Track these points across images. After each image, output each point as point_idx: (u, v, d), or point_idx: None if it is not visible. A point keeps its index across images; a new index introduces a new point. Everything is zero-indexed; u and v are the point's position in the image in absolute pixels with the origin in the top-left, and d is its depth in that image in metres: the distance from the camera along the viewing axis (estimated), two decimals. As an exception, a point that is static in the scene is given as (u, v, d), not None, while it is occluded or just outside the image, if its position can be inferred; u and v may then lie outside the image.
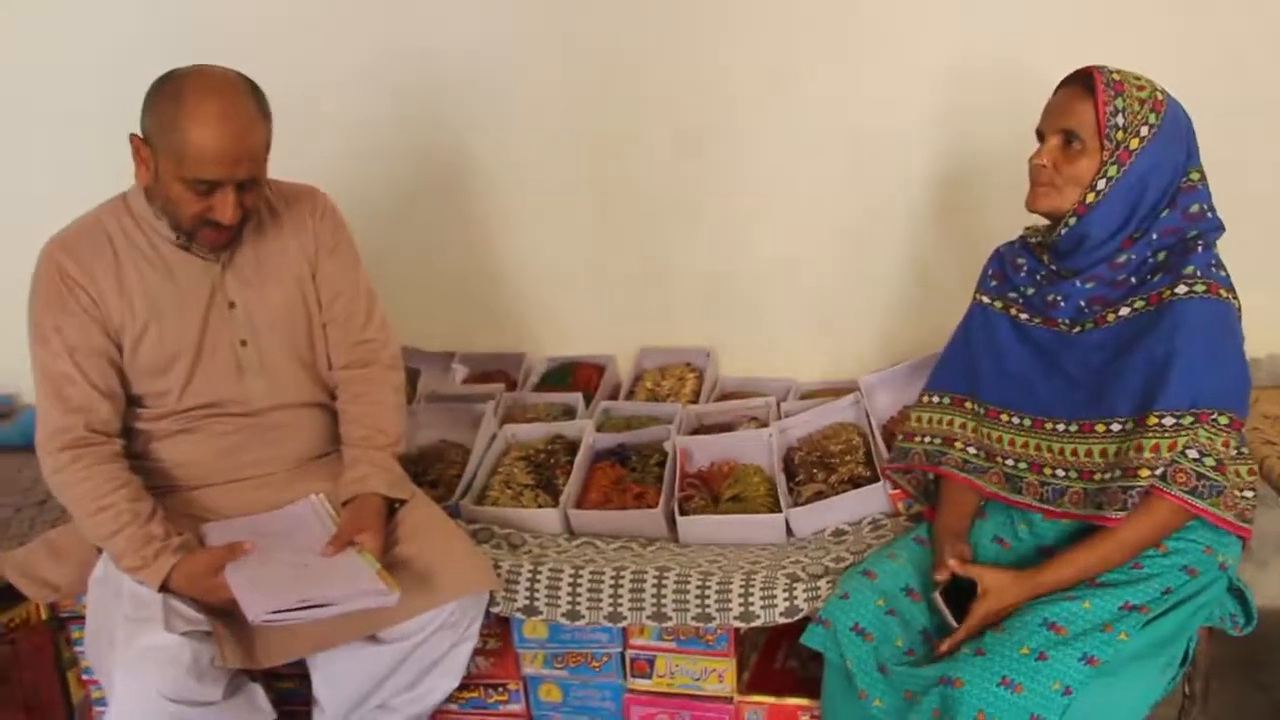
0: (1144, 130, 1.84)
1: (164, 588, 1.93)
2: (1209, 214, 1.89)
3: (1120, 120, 1.84)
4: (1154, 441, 1.78)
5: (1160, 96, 1.86)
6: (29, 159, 3.15)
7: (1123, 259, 1.90)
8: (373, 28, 2.94)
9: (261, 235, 2.15)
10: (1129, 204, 1.87)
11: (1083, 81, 1.88)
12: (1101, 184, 1.86)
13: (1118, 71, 1.87)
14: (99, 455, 2.01)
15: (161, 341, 2.07)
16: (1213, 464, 1.78)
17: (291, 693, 2.30)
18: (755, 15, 2.74)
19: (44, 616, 2.33)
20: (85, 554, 2.11)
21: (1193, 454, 1.78)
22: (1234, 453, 1.82)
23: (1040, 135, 1.94)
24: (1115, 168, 1.85)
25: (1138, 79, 1.87)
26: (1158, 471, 1.77)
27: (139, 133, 1.97)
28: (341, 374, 2.24)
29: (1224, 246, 1.90)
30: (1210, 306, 1.81)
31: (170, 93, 1.92)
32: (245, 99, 1.95)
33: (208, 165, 1.91)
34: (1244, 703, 2.52)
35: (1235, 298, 1.85)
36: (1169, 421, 1.78)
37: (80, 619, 2.23)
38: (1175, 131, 1.86)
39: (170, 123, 1.90)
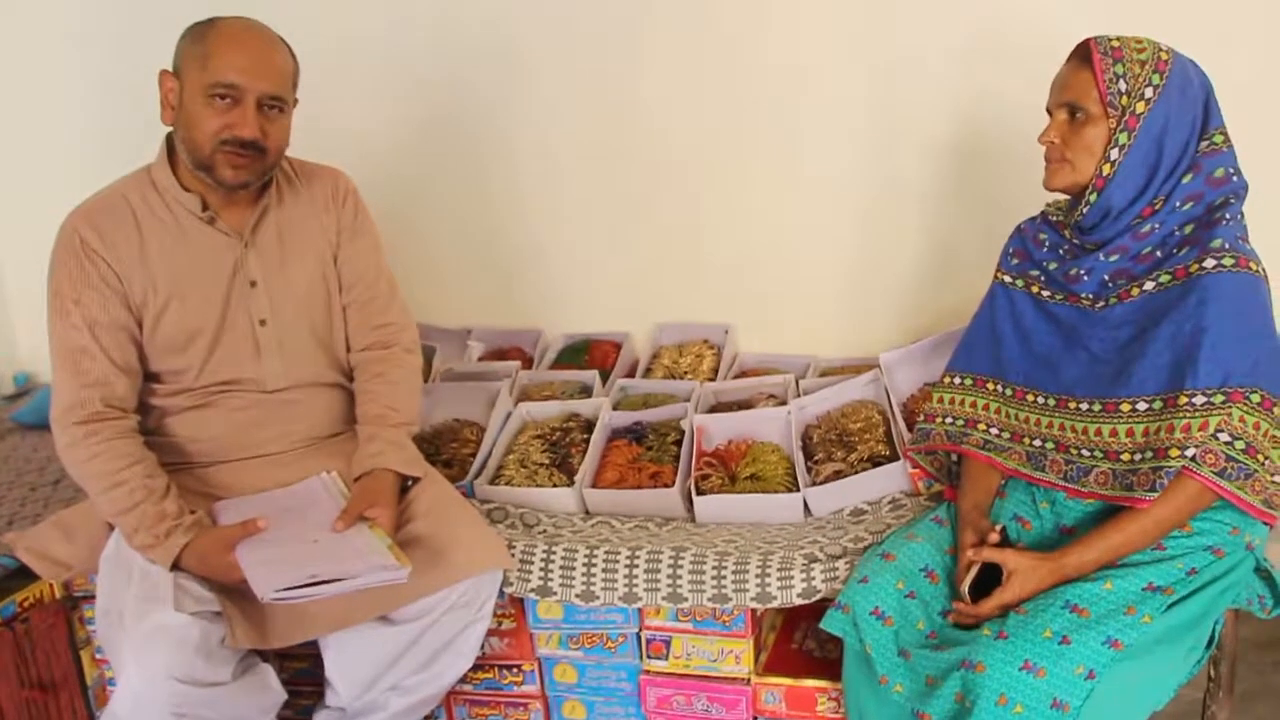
0: (1148, 92, 1.81)
1: (175, 566, 1.92)
2: (1234, 177, 1.85)
3: (1122, 85, 1.81)
4: (1185, 421, 1.74)
5: (1165, 56, 1.83)
6: (48, 135, 3.16)
7: (1146, 229, 1.86)
8: (397, 1, 2.91)
9: (284, 215, 2.14)
10: (1147, 168, 1.84)
11: (1081, 53, 1.87)
12: (1115, 153, 1.83)
13: (1117, 38, 1.84)
14: (114, 431, 1.99)
15: (182, 318, 2.05)
16: (1243, 447, 1.74)
17: (304, 673, 2.30)
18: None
19: (58, 595, 2.33)
20: (97, 533, 2.11)
21: (1224, 437, 1.73)
22: (1268, 436, 1.76)
23: (1049, 113, 1.92)
24: (1125, 134, 1.82)
25: (1138, 42, 1.84)
26: (1188, 452, 1.73)
27: (169, 69, 2.01)
28: (360, 356, 2.23)
29: (1265, 221, 1.86)
30: (1240, 280, 1.76)
31: (202, 25, 2.00)
32: (273, 32, 2.04)
33: (231, 69, 1.95)
34: (1271, 685, 2.48)
35: (1264, 271, 1.80)
36: (1199, 400, 1.74)
37: (94, 598, 2.22)
38: (1185, 89, 1.83)
39: (199, 41, 1.97)
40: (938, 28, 2.62)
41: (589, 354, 2.96)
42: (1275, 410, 1.76)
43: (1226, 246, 1.77)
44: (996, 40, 2.57)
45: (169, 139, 2.06)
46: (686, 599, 2.10)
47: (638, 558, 2.14)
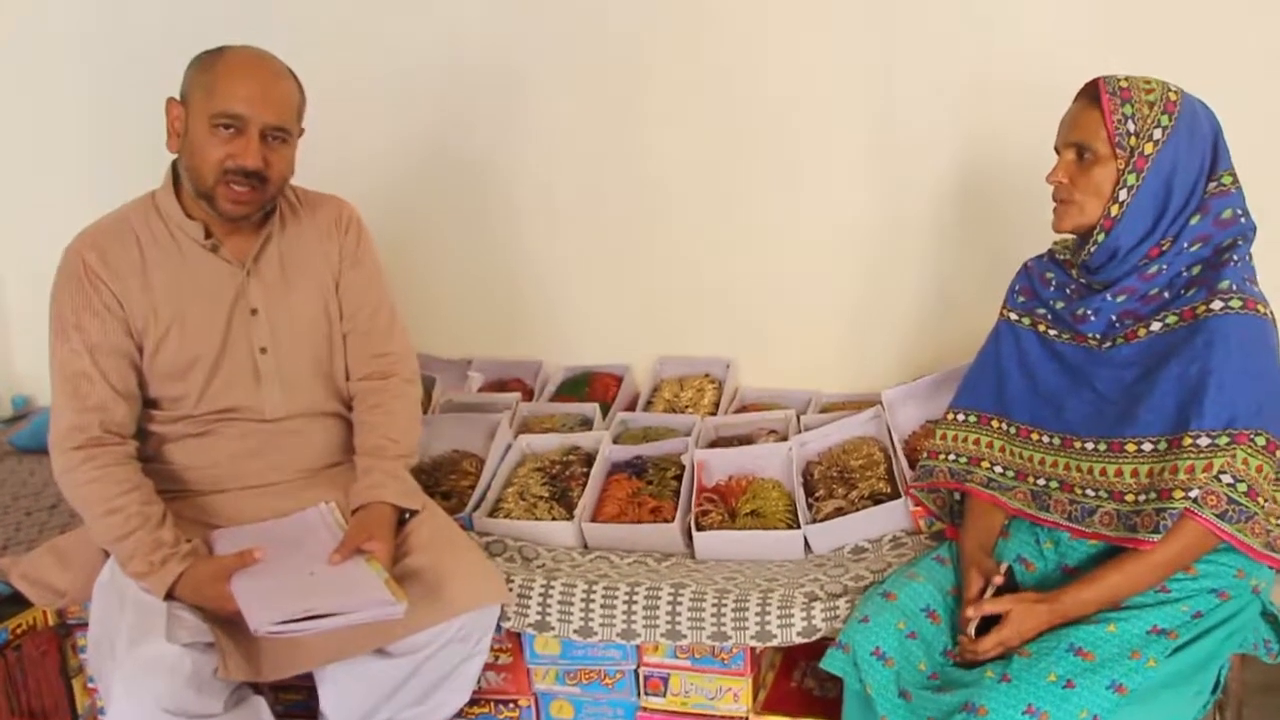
0: (1157, 134, 1.80)
1: (170, 595, 1.91)
2: (1242, 218, 1.84)
3: (1130, 126, 1.80)
4: (1189, 463, 1.73)
5: (1173, 97, 1.82)
6: (51, 156, 3.16)
7: (1153, 270, 1.85)
8: (400, 34, 2.93)
9: (287, 243, 2.13)
10: (1155, 209, 1.83)
11: (1090, 93, 1.86)
12: (1123, 194, 1.82)
13: (1126, 78, 1.84)
14: (112, 457, 1.98)
15: (182, 345, 2.05)
16: (1244, 489, 1.73)
17: (298, 705, 2.27)
18: (782, 28, 2.71)
19: (50, 622, 2.31)
20: (92, 561, 2.08)
21: (1226, 479, 1.72)
22: (1269, 479, 1.75)
23: (1057, 152, 1.91)
24: (1134, 176, 1.81)
25: (1147, 83, 1.83)
26: (1191, 494, 1.72)
27: (176, 97, 2.01)
28: (359, 385, 2.22)
29: (1273, 263, 1.86)
30: (1247, 323, 1.75)
31: (211, 53, 2.01)
32: (280, 62, 2.04)
33: (236, 99, 1.95)
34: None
35: (1271, 314, 1.79)
36: (1204, 442, 1.73)
37: (87, 626, 2.20)
38: (1194, 130, 1.82)
39: (207, 69, 1.98)
40: (940, 60, 2.63)
41: (590, 386, 2.95)
42: (1279, 454, 1.75)
43: (1234, 288, 1.76)
44: (998, 75, 2.58)
45: (175, 165, 2.05)
46: (685, 636, 2.08)
47: (637, 593, 2.12)
